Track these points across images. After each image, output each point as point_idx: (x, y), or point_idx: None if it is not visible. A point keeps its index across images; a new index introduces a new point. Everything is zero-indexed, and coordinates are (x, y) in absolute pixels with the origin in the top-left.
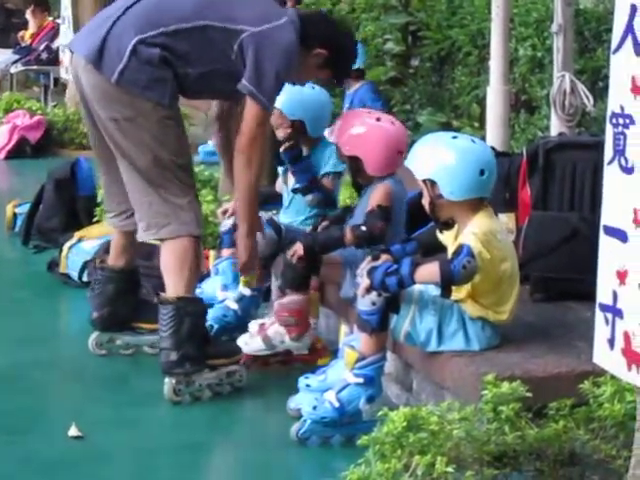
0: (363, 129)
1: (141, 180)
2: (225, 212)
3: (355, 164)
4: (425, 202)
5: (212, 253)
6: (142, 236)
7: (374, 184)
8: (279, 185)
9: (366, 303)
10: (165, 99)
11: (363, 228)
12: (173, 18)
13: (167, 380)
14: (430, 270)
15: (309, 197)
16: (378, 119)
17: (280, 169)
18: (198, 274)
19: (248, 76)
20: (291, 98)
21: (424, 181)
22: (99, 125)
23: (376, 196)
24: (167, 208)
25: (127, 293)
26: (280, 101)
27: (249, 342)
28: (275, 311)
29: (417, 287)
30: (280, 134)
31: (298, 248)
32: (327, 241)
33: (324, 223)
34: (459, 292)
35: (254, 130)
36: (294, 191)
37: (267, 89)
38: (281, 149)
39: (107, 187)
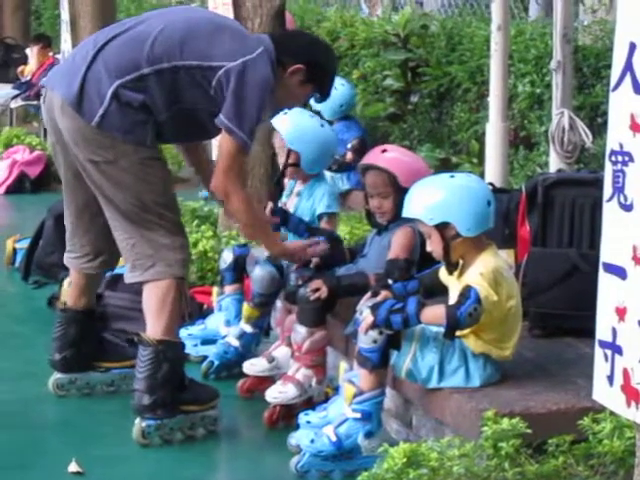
0: (419, 165)
1: (124, 220)
2: None
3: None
4: (435, 247)
5: (215, 289)
6: (128, 277)
7: (400, 224)
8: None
9: (367, 340)
10: (147, 140)
11: (390, 282)
12: (147, 60)
13: (137, 421)
14: (436, 313)
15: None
16: None
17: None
18: (180, 315)
19: (226, 111)
20: (295, 127)
21: (435, 226)
22: (77, 165)
23: (402, 241)
24: (151, 249)
25: (89, 333)
26: (284, 127)
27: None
28: (303, 355)
29: None
30: (280, 159)
31: (322, 291)
32: (351, 287)
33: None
34: None
35: (227, 164)
36: None
37: (246, 124)
38: (266, 210)
39: (73, 229)
